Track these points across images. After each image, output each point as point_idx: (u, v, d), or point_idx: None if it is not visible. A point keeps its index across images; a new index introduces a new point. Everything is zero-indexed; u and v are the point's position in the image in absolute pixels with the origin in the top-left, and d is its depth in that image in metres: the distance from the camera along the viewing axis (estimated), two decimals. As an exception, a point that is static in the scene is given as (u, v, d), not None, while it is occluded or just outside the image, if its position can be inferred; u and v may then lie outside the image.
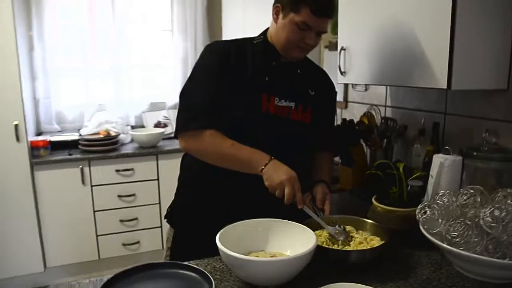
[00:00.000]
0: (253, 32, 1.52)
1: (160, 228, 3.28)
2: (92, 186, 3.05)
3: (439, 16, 1.40)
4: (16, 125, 2.78)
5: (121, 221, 3.16)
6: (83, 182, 3.00)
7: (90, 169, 3.03)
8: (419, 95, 1.99)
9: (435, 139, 1.81)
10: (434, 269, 1.23)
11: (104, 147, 3.11)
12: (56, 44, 3.37)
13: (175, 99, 3.70)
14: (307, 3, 1.29)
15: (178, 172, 1.61)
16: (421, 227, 1.25)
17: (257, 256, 1.15)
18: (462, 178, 1.53)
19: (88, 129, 3.23)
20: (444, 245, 1.15)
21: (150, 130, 3.45)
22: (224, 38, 3.49)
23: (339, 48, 1.91)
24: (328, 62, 2.64)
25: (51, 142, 3.07)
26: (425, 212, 1.26)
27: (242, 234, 1.21)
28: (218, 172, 1.42)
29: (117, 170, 3.10)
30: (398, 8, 1.58)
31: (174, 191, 1.63)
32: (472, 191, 1.24)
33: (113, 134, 3.22)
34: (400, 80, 1.61)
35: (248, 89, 1.38)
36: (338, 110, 2.64)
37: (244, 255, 1.08)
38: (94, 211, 3.08)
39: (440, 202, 1.29)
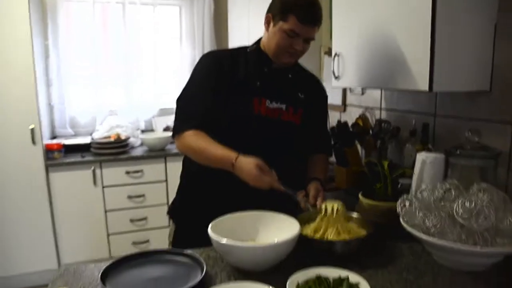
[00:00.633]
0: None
1: (168, 228, 3.38)
2: (103, 187, 3.18)
3: (420, 21, 1.48)
4: (32, 129, 2.93)
5: (131, 220, 3.29)
6: (94, 183, 3.14)
7: (101, 171, 3.16)
8: (411, 98, 2.08)
9: (424, 139, 1.89)
10: (413, 259, 1.32)
11: (115, 150, 3.25)
12: (70, 52, 3.53)
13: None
14: (294, 12, 1.40)
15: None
16: (401, 220, 1.34)
17: (246, 244, 1.25)
18: (448, 175, 1.61)
19: (100, 133, 3.38)
20: (421, 235, 1.24)
21: (159, 134, 3.58)
22: (230, 46, 3.61)
23: (333, 54, 2.01)
24: (328, 67, 2.73)
25: (64, 145, 3.23)
26: (404, 205, 1.35)
27: (233, 225, 1.31)
28: (215, 171, 1.53)
29: (127, 172, 3.23)
30: (383, 15, 1.68)
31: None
32: (448, 185, 1.33)
33: (123, 137, 3.36)
34: (386, 82, 1.70)
35: (240, 94, 1.49)
36: (337, 113, 2.73)
37: (235, 243, 1.18)
38: (106, 211, 3.22)
39: (420, 196, 1.38)
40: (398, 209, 1.36)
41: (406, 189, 1.64)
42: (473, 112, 1.74)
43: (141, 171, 3.27)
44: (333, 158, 2.21)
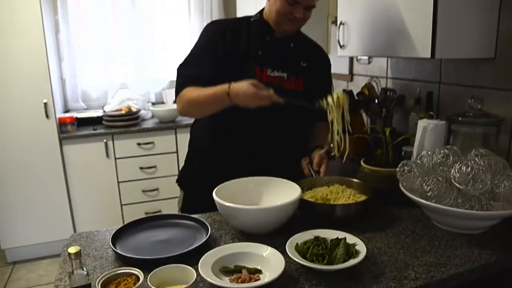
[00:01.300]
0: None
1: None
2: (115, 158, 3.26)
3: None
4: (45, 103, 3.00)
5: (143, 191, 3.38)
6: (107, 155, 3.22)
7: (113, 143, 3.23)
8: (417, 66, 2.08)
9: (429, 107, 1.90)
10: (412, 223, 1.36)
11: (126, 122, 3.30)
12: (80, 27, 3.55)
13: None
14: None
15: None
16: (400, 185, 1.37)
17: (249, 208, 1.31)
18: (450, 142, 1.64)
19: (111, 106, 3.43)
20: (418, 199, 1.28)
21: (170, 106, 3.62)
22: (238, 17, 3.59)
23: (338, 23, 2.01)
24: (335, 36, 2.72)
25: (77, 119, 3.29)
26: (403, 171, 1.39)
27: (238, 190, 1.37)
28: (222, 139, 1.58)
29: (139, 144, 3.30)
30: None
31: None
32: (446, 151, 1.36)
33: (134, 110, 3.41)
34: (390, 51, 1.70)
35: (242, 62, 1.52)
36: (344, 83, 2.74)
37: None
38: (118, 182, 3.30)
39: (419, 162, 1.41)
40: (398, 175, 1.40)
41: (409, 157, 1.66)
42: (477, 79, 1.74)
43: (152, 142, 3.33)
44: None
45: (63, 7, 3.43)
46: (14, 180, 3.03)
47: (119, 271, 0.99)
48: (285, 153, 1.61)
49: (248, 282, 0.98)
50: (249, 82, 1.36)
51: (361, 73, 2.59)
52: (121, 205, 3.35)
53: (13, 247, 3.15)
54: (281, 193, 1.36)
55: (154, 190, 3.40)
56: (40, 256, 3.22)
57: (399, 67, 2.22)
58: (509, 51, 1.59)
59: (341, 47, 2.02)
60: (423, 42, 1.51)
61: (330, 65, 1.75)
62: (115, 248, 1.16)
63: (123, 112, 3.35)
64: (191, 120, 3.32)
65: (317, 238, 1.12)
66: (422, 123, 1.55)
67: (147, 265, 1.02)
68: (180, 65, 1.59)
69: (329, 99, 1.43)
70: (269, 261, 1.05)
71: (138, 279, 0.96)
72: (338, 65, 2.69)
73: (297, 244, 1.11)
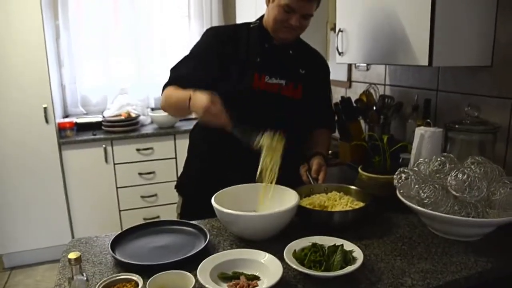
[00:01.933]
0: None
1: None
2: (114, 164, 3.27)
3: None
4: (45, 108, 3.01)
5: (142, 197, 3.39)
6: (106, 160, 3.23)
7: (112, 149, 3.24)
8: (415, 74, 2.10)
9: (426, 114, 1.92)
10: (408, 230, 1.37)
11: (125, 128, 3.32)
12: (81, 32, 3.57)
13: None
14: None
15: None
16: (397, 192, 1.38)
17: (247, 215, 1.31)
18: (447, 150, 1.65)
19: (111, 111, 3.45)
20: (415, 206, 1.29)
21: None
22: (233, 23, 3.62)
23: (337, 30, 2.03)
24: (334, 43, 2.74)
25: (76, 124, 3.31)
26: (400, 178, 1.39)
27: (236, 197, 1.38)
28: (221, 145, 1.59)
29: (138, 149, 3.31)
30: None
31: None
32: (443, 158, 1.37)
33: (133, 115, 3.42)
34: (388, 58, 1.72)
35: (240, 68, 1.53)
36: (343, 89, 2.76)
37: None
38: (117, 188, 3.31)
39: (416, 169, 1.42)
40: (395, 182, 1.41)
41: (407, 164, 1.67)
42: (474, 87, 1.76)
43: (151, 148, 3.34)
44: (337, 135, 2.25)
45: (63, 13, 3.46)
46: (13, 184, 3.04)
47: (118, 277, 0.99)
48: (284, 160, 1.62)
49: (246, 289, 0.98)
50: (209, 96, 1.32)
51: (360, 80, 2.61)
52: (120, 210, 3.35)
53: (11, 252, 3.16)
54: (279, 199, 1.37)
55: (152, 196, 3.41)
56: (37, 262, 3.22)
57: (397, 74, 2.24)
58: (506, 59, 1.61)
59: (340, 54, 2.04)
60: (421, 50, 1.53)
61: (329, 72, 1.76)
62: (114, 254, 1.16)
63: (123, 117, 3.37)
64: (190, 126, 3.37)
65: (314, 244, 1.13)
66: (419, 131, 1.57)
67: (146, 271, 1.03)
68: (173, 66, 1.63)
69: (265, 140, 1.37)
70: (267, 268, 1.05)
71: (137, 285, 0.97)
72: (336, 72, 2.70)
73: (295, 250, 1.12)
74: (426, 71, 2.02)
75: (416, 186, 1.34)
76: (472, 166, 1.26)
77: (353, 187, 1.50)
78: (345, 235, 1.22)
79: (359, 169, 1.59)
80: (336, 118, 2.14)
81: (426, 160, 1.43)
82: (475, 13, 1.57)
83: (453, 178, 1.26)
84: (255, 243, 1.24)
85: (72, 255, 0.89)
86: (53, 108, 3.06)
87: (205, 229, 1.29)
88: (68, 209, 3.21)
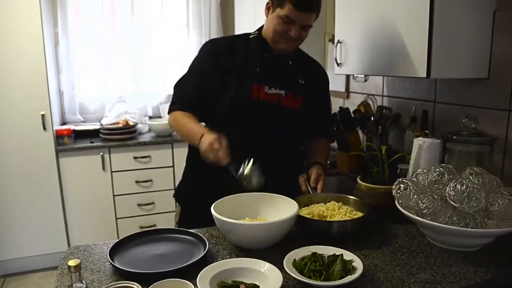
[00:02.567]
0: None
1: (174, 212, 3.46)
2: (112, 172, 3.26)
3: (419, 9, 1.52)
4: (42, 115, 3.01)
5: (139, 205, 3.38)
6: (103, 168, 3.22)
7: (110, 156, 3.24)
8: (412, 85, 2.11)
9: (424, 125, 1.93)
10: (407, 240, 1.37)
11: (123, 136, 3.32)
12: (79, 40, 3.59)
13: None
14: None
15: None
16: (396, 202, 1.39)
17: (246, 224, 1.31)
18: (445, 161, 1.66)
19: (109, 119, 3.45)
20: (414, 216, 1.29)
21: (166, 120, 3.61)
22: (236, 33, 3.64)
23: (335, 41, 2.05)
24: (332, 54, 2.76)
25: (74, 131, 3.31)
26: (399, 188, 1.40)
27: (235, 206, 1.38)
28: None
29: (135, 157, 3.31)
30: (385, 3, 1.71)
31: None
32: (441, 169, 1.38)
33: (131, 123, 3.43)
34: (386, 70, 1.74)
35: (240, 79, 1.55)
36: (341, 100, 2.77)
37: (235, 222, 1.24)
38: (114, 195, 3.30)
39: (415, 180, 1.43)
40: (394, 192, 1.42)
41: (405, 174, 1.68)
42: (471, 99, 1.78)
43: (148, 156, 3.34)
44: (335, 145, 2.26)
45: (63, 20, 3.48)
46: (8, 191, 3.03)
47: (117, 285, 0.99)
48: (283, 169, 1.62)
49: (246, 298, 0.98)
50: (216, 138, 1.40)
51: (357, 90, 2.62)
52: (116, 218, 3.34)
53: (5, 260, 3.13)
54: (278, 209, 1.37)
55: (149, 204, 3.40)
56: (32, 269, 3.19)
57: (394, 85, 2.26)
58: (502, 72, 1.63)
59: (338, 65, 2.05)
60: (419, 62, 1.54)
61: (328, 82, 1.78)
62: (113, 261, 1.16)
63: (120, 125, 3.37)
64: (188, 135, 3.39)
65: (314, 254, 1.13)
66: (417, 142, 1.58)
67: (145, 279, 1.02)
68: (177, 82, 1.66)
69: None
70: (267, 277, 1.05)
71: (137, 293, 0.96)
72: (334, 83, 2.71)
73: (294, 260, 1.12)
74: (423, 82, 2.04)
75: (415, 196, 1.35)
76: (471, 177, 1.27)
77: (351, 197, 1.50)
78: (344, 245, 1.22)
79: (358, 179, 1.60)
80: (334, 128, 2.16)
81: (424, 170, 1.44)
82: (472, 26, 1.59)
83: (452, 188, 1.26)
84: (254, 252, 1.24)
85: (72, 262, 0.89)
86: (51, 115, 3.05)
87: (204, 238, 1.29)
88: (64, 216, 3.19)
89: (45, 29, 3.02)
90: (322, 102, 1.78)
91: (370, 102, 2.28)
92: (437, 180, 1.37)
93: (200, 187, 1.68)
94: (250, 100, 1.54)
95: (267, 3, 1.54)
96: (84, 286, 0.93)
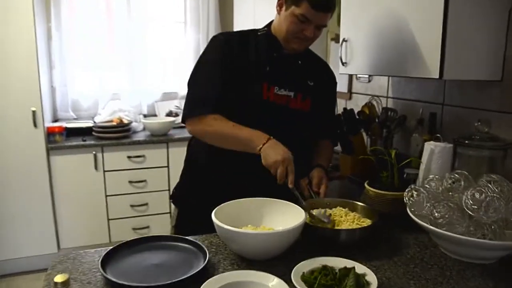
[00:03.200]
0: (263, 24, 1.60)
1: (169, 214, 3.38)
2: (104, 171, 3.16)
3: (432, 7, 1.44)
4: (33, 112, 2.90)
5: (132, 206, 3.28)
6: (96, 167, 3.12)
7: (103, 155, 3.14)
8: (419, 86, 2.04)
9: (432, 128, 1.86)
10: (419, 250, 1.30)
11: (117, 134, 3.22)
12: (73, 35, 3.48)
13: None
14: None
15: (187, 159, 1.70)
16: (408, 210, 1.31)
17: (249, 232, 1.23)
18: (455, 166, 1.58)
19: (102, 117, 3.34)
20: (428, 226, 1.21)
21: (162, 119, 3.55)
22: (235, 30, 3.56)
23: (341, 40, 1.97)
24: (334, 54, 2.68)
25: (66, 129, 3.20)
26: (412, 195, 1.32)
27: (237, 212, 1.29)
28: (219, 157, 1.51)
29: (129, 157, 3.21)
30: (394, 1, 1.63)
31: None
32: (457, 175, 1.30)
33: (125, 122, 3.33)
34: (395, 70, 1.66)
35: (250, 78, 1.46)
36: (343, 101, 2.69)
37: (237, 230, 1.15)
38: (106, 196, 3.20)
39: (427, 186, 1.35)
40: (406, 199, 1.34)
41: (412, 179, 1.61)
42: (483, 102, 1.71)
43: (143, 156, 3.25)
44: (338, 148, 2.18)
45: (56, 15, 3.37)
46: (-3, 190, 2.91)
47: (110, 301, 0.90)
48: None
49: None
50: (287, 152, 1.35)
51: (361, 91, 2.55)
52: (108, 219, 3.24)
53: (-7, 261, 3.01)
54: (283, 215, 1.29)
55: (143, 205, 3.30)
56: (21, 271, 3.07)
57: (400, 86, 2.18)
58: (517, 75, 1.56)
59: (343, 64, 1.97)
60: (431, 62, 1.47)
61: (336, 84, 1.71)
62: (105, 272, 1.07)
63: (114, 123, 3.27)
64: (183, 134, 3.30)
65: (324, 267, 1.05)
66: (429, 146, 1.50)
67: (141, 294, 0.93)
68: (190, 82, 1.52)
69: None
70: (274, 292, 0.97)
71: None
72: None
73: (303, 273, 1.04)
74: (431, 84, 1.96)
75: (428, 204, 1.27)
76: (489, 185, 1.19)
77: (359, 203, 1.42)
78: (352, 255, 1.15)
79: (366, 185, 1.52)
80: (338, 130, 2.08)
81: (437, 177, 1.36)
82: (486, 27, 1.52)
83: (469, 197, 1.19)
84: (258, 262, 1.15)
85: (59, 278, 0.80)
86: (42, 112, 2.95)
87: (203, 246, 1.20)
88: (55, 217, 3.08)
89: (38, 23, 2.91)
90: (329, 104, 1.70)
91: (374, 103, 2.21)
92: (452, 188, 1.29)
93: (200, 190, 1.60)
94: (260, 101, 1.45)
95: None
96: (73, 302, 0.84)
